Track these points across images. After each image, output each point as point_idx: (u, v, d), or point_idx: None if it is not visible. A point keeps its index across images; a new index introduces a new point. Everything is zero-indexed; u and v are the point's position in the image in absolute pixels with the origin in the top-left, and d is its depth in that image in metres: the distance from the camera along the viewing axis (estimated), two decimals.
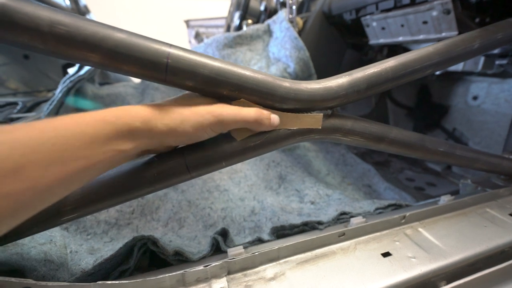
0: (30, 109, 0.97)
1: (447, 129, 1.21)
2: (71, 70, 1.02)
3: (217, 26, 2.93)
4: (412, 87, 1.36)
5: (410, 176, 1.08)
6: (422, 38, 0.87)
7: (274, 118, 0.33)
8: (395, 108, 1.39)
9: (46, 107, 0.84)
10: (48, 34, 0.24)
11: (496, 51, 0.79)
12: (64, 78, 0.93)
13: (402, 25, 0.90)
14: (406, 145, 0.46)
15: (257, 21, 1.59)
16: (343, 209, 0.59)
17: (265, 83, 0.33)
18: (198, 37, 3.00)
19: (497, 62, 0.82)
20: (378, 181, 0.95)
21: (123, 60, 0.27)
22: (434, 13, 0.77)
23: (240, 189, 0.90)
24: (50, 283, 0.30)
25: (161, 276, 0.36)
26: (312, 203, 0.73)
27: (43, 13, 0.24)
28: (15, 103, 1.01)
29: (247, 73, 0.32)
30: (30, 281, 0.30)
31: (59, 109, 0.86)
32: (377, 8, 0.92)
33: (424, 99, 1.33)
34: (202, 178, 0.97)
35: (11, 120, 0.76)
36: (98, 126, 0.25)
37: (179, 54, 0.29)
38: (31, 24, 0.23)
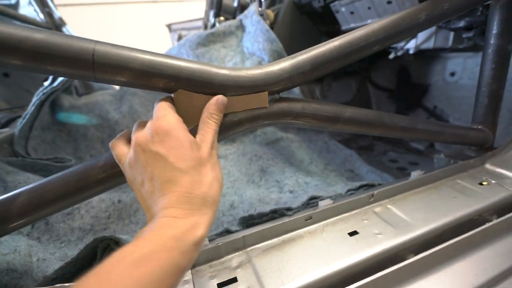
0: (5, 125, 0.97)
1: (428, 108, 1.22)
2: (46, 83, 1.01)
3: (198, 28, 2.92)
4: (391, 69, 1.36)
5: (393, 158, 1.09)
6: None
7: (220, 97, 0.33)
8: (376, 91, 1.39)
9: (19, 122, 0.84)
10: None
11: (461, 24, 0.79)
12: (38, 91, 0.92)
13: (369, 8, 0.90)
14: (363, 124, 0.46)
15: (233, 17, 1.59)
16: (317, 194, 0.59)
17: (202, 72, 0.33)
18: (181, 40, 2.98)
19: (464, 36, 0.82)
20: (360, 165, 0.96)
21: (46, 60, 0.27)
22: None
23: (223, 185, 0.90)
24: None
25: None
26: (291, 192, 0.74)
27: None
28: None
29: (182, 63, 0.32)
30: None
31: (33, 123, 0.86)
32: None
33: (404, 80, 1.33)
34: None
35: None
36: (166, 265, 0.23)
37: (105, 50, 0.29)
38: None
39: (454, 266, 0.44)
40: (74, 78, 0.30)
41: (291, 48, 1.11)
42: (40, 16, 1.63)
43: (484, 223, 0.48)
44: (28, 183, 0.62)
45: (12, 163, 0.69)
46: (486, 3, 0.57)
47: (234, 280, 0.39)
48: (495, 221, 0.49)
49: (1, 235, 0.33)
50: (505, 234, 0.48)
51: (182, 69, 0.32)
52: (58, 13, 1.72)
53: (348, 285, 0.36)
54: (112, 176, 0.34)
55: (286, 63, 0.37)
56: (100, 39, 0.29)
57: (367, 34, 0.42)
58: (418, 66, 1.28)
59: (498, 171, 0.60)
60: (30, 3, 1.61)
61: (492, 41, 0.57)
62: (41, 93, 0.91)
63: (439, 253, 0.43)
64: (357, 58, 0.42)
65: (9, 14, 1.50)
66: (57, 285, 0.33)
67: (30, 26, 0.24)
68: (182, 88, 0.33)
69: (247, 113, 0.36)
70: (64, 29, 1.74)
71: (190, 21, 3.07)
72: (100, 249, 0.41)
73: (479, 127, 0.63)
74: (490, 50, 0.57)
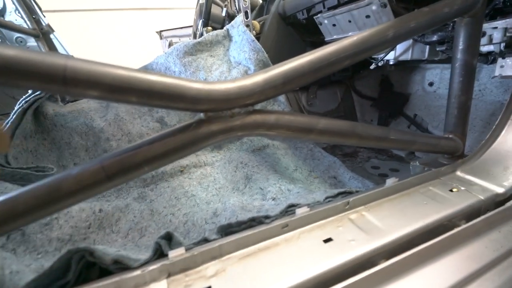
0: None
1: (409, 116, 1.26)
2: (30, 90, 1.00)
3: (189, 35, 2.94)
4: (374, 79, 1.40)
5: (376, 164, 1.12)
6: None
7: None
8: (360, 100, 1.44)
9: None
10: None
11: (434, 38, 0.83)
12: (20, 100, 0.92)
13: (350, 21, 0.94)
14: (337, 134, 0.48)
15: (221, 27, 1.62)
16: (297, 201, 0.60)
17: (174, 86, 0.34)
18: (170, 47, 3.00)
19: (437, 49, 0.87)
20: (343, 172, 0.98)
21: (19, 76, 0.28)
22: (374, 7, 0.81)
23: (208, 193, 0.90)
24: None
25: (96, 285, 0.36)
26: (274, 199, 0.75)
27: None
28: None
29: (154, 78, 0.33)
30: None
31: (14, 131, 0.85)
32: (324, 7, 0.96)
33: (386, 90, 1.38)
34: (171, 186, 0.97)
35: None
36: None
37: (77, 66, 0.30)
38: None
39: (424, 270, 0.46)
40: (47, 92, 0.30)
41: (276, 58, 1.14)
42: (27, 23, 1.62)
43: (453, 228, 0.50)
44: (5, 193, 0.61)
45: None
46: (450, 22, 0.61)
47: None
48: (463, 226, 0.51)
49: None
50: (472, 238, 0.51)
51: (154, 83, 0.33)
52: (45, 20, 1.71)
53: None
54: (87, 187, 0.34)
55: (258, 77, 0.39)
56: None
57: (338, 50, 0.44)
58: (400, 76, 1.33)
59: (468, 178, 0.63)
60: (16, 9, 1.60)
61: (459, 56, 0.60)
62: (23, 101, 0.90)
63: (409, 258, 0.45)
64: (328, 72, 0.45)
65: None
66: None
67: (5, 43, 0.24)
68: (153, 103, 0.34)
69: (220, 125, 0.38)
70: (51, 36, 1.73)
71: (181, 28, 3.09)
72: (75, 260, 0.40)
73: (450, 136, 0.66)
74: (457, 64, 0.61)
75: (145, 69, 1.21)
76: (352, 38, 0.46)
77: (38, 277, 0.37)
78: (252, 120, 0.40)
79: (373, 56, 1.13)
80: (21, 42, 1.73)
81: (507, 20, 0.69)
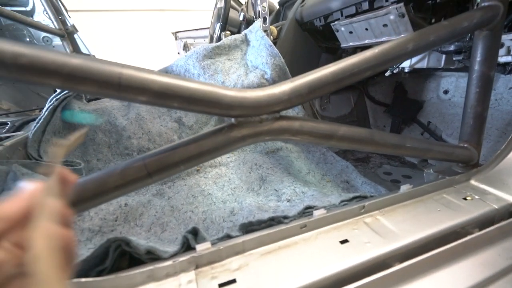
0: (18, 128, 1.01)
1: (423, 123, 1.26)
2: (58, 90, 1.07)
3: (203, 37, 3.00)
4: (388, 85, 1.41)
5: (388, 170, 1.13)
6: (385, 39, 0.93)
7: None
8: (373, 105, 1.45)
9: (33, 126, 0.88)
10: (11, 65, 0.29)
11: (451, 48, 0.85)
12: (51, 97, 0.97)
13: (367, 29, 0.96)
14: (356, 141, 0.50)
15: (238, 31, 1.66)
16: (313, 203, 0.63)
17: (211, 93, 0.37)
18: (186, 48, 3.07)
19: (454, 58, 0.88)
20: (356, 177, 1.00)
21: (80, 82, 0.32)
22: (392, 17, 0.83)
23: (224, 192, 0.94)
24: None
25: (132, 272, 0.40)
26: (288, 201, 0.77)
27: (6, 47, 0.29)
28: (5, 123, 1.05)
29: (194, 85, 0.36)
30: None
31: (46, 127, 0.90)
32: (342, 15, 0.98)
33: (400, 96, 1.38)
34: (188, 184, 1.01)
35: (1, 139, 0.80)
36: None
37: (130, 73, 0.33)
38: None
39: (436, 275, 0.47)
40: (101, 97, 0.34)
41: (292, 63, 1.17)
42: (54, 23, 1.70)
43: (466, 236, 0.52)
44: None
45: (26, 165, 0.73)
46: (469, 34, 0.62)
47: (233, 281, 0.42)
48: (476, 234, 0.53)
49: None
50: (485, 246, 0.52)
51: (194, 91, 0.36)
52: (71, 20, 1.79)
53: None
54: (131, 182, 0.38)
55: (286, 86, 0.42)
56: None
57: (360, 61, 0.47)
58: (414, 83, 1.34)
59: (482, 187, 0.64)
60: (45, 10, 1.69)
61: (476, 67, 0.62)
62: (54, 99, 0.96)
63: (423, 262, 0.47)
64: (350, 82, 0.47)
65: (23, 21, 1.57)
66: (74, 279, 0.37)
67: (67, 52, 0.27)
68: (193, 108, 0.37)
69: (250, 130, 0.41)
70: (75, 36, 1.81)
71: (196, 30, 3.15)
72: (112, 249, 0.44)
73: (465, 145, 0.67)
74: (474, 75, 0.62)
75: (166, 70, 1.26)
76: (373, 50, 0.48)
77: (81, 262, 0.41)
78: (279, 125, 0.43)
79: None
80: (47, 41, 1.82)
81: None
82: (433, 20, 0.87)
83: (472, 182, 0.66)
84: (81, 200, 0.37)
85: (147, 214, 0.74)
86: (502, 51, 0.74)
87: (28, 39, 1.81)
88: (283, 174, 0.95)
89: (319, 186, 0.96)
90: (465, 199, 0.60)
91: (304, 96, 0.43)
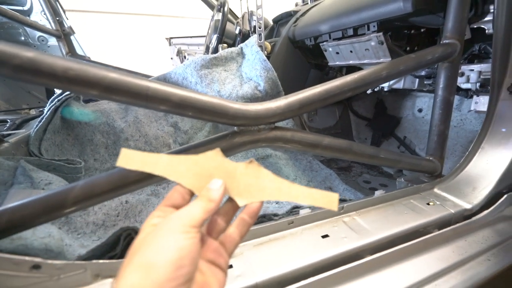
0: (19, 126, 1.03)
1: (399, 137, 1.39)
2: (58, 90, 1.10)
3: (198, 44, 3.08)
4: (370, 101, 1.54)
5: (367, 179, 1.24)
6: (366, 61, 1.05)
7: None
8: (356, 119, 1.57)
9: (35, 125, 0.92)
10: (62, 78, 0.35)
11: (422, 73, 0.97)
12: (52, 98, 1.01)
13: (351, 51, 1.08)
14: (337, 150, 0.59)
15: (233, 43, 1.75)
16: (299, 204, 0.71)
17: (220, 105, 0.45)
18: (179, 54, 3.13)
19: (425, 82, 1.01)
20: (338, 184, 1.09)
21: (115, 93, 0.39)
22: (372, 43, 0.95)
23: None
24: (56, 261, 0.39)
25: None
26: (277, 202, 0.85)
27: (59, 62, 0.35)
28: (5, 121, 1.07)
29: (205, 98, 0.44)
30: (41, 259, 0.39)
31: (47, 126, 0.94)
32: (330, 37, 1.10)
33: (380, 112, 1.52)
34: None
35: (4, 137, 0.83)
36: None
37: (156, 87, 0.41)
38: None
39: (401, 265, 0.56)
40: (130, 105, 0.41)
41: (284, 77, 1.27)
42: (51, 24, 1.72)
43: (426, 234, 0.62)
44: (48, 181, 0.70)
45: (30, 162, 0.77)
46: (434, 65, 0.74)
47: (230, 266, 0.49)
48: (435, 233, 0.63)
49: (54, 219, 0.43)
50: (442, 244, 0.62)
51: (206, 102, 0.44)
52: (68, 22, 1.81)
53: (319, 274, 0.48)
54: (144, 178, 0.44)
55: (281, 102, 0.51)
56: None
57: (342, 84, 0.56)
58: (393, 100, 1.47)
59: (443, 194, 0.75)
60: (43, 11, 1.71)
61: (440, 92, 0.73)
62: (56, 100, 0.99)
63: (390, 255, 0.56)
64: (334, 101, 0.56)
65: (20, 20, 1.59)
66: (93, 260, 0.42)
67: (103, 64, 0.32)
68: (204, 117, 0.45)
69: (249, 137, 0.49)
70: (72, 38, 1.83)
71: (190, 37, 3.23)
72: (123, 236, 0.50)
73: (430, 158, 0.78)
74: (438, 99, 0.73)
75: (164, 77, 1.33)
76: (353, 76, 0.58)
77: (97, 246, 0.47)
78: (274, 135, 0.51)
79: None
80: (42, 41, 1.84)
81: (482, 65, 0.84)
82: (407, 48, 1.00)
83: (435, 190, 0.76)
84: (103, 191, 0.43)
85: (146, 211, 0.79)
86: (462, 79, 0.87)
87: (23, 38, 1.81)
88: None
89: None
90: (428, 204, 0.71)
91: (295, 111, 0.51)
